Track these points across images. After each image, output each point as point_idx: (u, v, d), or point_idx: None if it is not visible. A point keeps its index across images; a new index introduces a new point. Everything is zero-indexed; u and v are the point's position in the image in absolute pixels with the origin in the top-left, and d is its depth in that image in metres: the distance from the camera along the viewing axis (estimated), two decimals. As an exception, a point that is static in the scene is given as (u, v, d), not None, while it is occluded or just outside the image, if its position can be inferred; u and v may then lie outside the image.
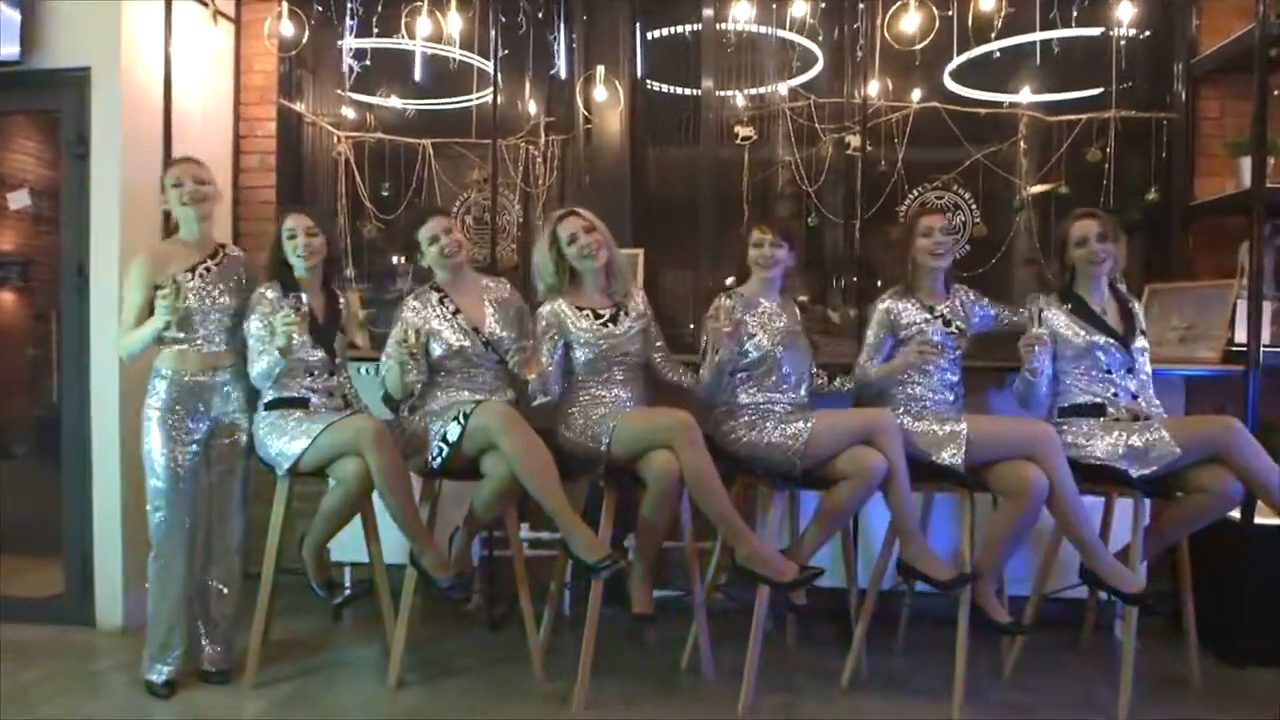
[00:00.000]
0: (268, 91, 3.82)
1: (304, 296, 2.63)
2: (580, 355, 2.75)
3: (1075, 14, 3.36)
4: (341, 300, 2.91)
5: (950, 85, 3.52)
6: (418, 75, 3.63)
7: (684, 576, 2.92)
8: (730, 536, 2.55)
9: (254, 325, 2.70)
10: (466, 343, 2.77)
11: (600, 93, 3.63)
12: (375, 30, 3.65)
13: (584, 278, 2.83)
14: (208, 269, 2.74)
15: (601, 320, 2.79)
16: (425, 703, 2.66)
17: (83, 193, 3.14)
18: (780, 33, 3.57)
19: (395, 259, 3.87)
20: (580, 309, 2.80)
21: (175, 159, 2.92)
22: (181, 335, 2.67)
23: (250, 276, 2.85)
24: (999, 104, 3.55)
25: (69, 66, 3.14)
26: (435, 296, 2.84)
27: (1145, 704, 2.64)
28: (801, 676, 2.86)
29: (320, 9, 3.72)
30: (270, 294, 2.74)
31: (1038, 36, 3.41)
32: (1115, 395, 2.72)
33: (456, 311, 2.81)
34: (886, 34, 3.40)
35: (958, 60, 3.46)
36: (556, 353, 2.76)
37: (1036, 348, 2.64)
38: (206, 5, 3.57)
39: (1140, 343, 2.77)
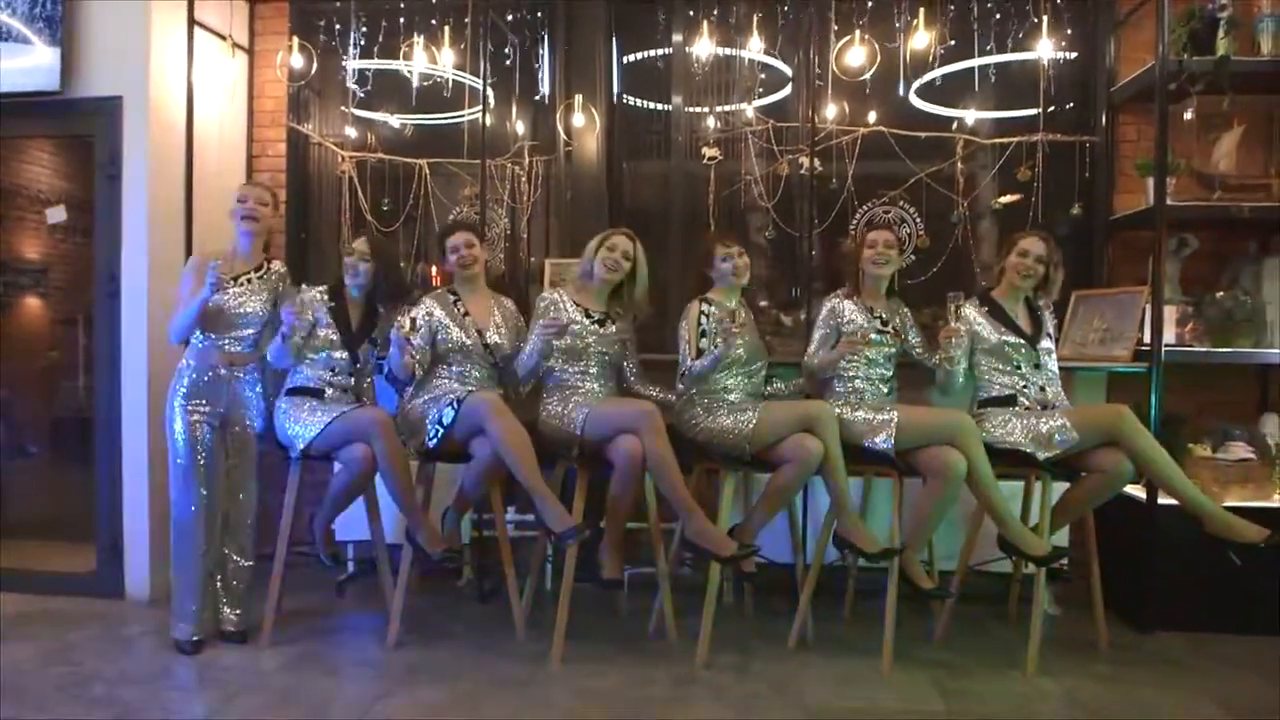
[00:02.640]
0: (278, 115, 4.19)
1: (322, 297, 3.09)
2: (564, 341, 3.08)
3: (1010, 44, 3.75)
4: (379, 319, 3.24)
5: (915, 100, 3.89)
6: (414, 100, 4.00)
7: (651, 552, 3.28)
8: (682, 513, 2.90)
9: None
10: (469, 340, 3.15)
11: (579, 119, 4.01)
12: (376, 56, 4.02)
13: (596, 283, 3.20)
14: (249, 280, 3.11)
15: (592, 320, 3.16)
16: (420, 658, 3.01)
17: (114, 209, 3.50)
18: (744, 54, 3.94)
19: (403, 264, 4.23)
20: (578, 305, 3.17)
21: (247, 183, 3.36)
22: (217, 330, 3.04)
23: (288, 290, 3.21)
24: (942, 126, 3.91)
25: (103, 95, 3.51)
26: (450, 298, 3.23)
27: (1057, 662, 2.99)
28: (754, 639, 3.22)
29: (326, 39, 4.10)
30: (309, 292, 3.14)
31: (976, 62, 3.79)
32: (1025, 388, 3.09)
33: (466, 314, 3.20)
34: (835, 67, 3.78)
35: (913, 87, 3.84)
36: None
37: (954, 339, 3.01)
38: (224, 38, 3.94)
39: (1046, 344, 3.14)
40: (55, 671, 2.86)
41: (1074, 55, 3.87)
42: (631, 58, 4.16)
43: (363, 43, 4.03)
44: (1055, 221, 3.83)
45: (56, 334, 5.31)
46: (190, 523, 3.03)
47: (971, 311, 3.15)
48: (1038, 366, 3.10)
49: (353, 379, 3.17)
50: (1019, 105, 3.90)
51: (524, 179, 4.09)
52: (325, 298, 3.15)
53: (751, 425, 2.92)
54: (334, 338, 3.11)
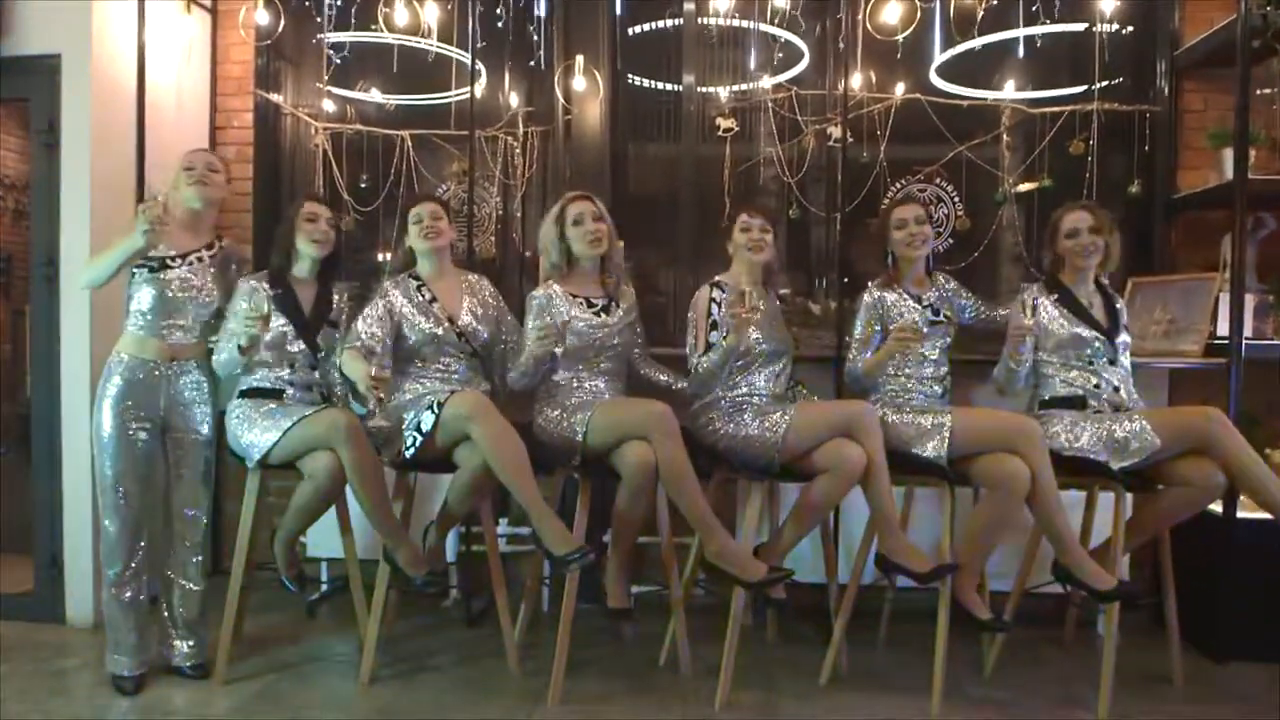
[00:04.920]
0: (245, 82, 3.78)
1: (268, 294, 2.63)
2: (569, 341, 2.66)
3: (1058, 8, 3.35)
4: (336, 297, 2.86)
5: (936, 81, 3.49)
6: (396, 68, 3.59)
7: (662, 572, 2.89)
8: (701, 531, 2.52)
9: (230, 315, 2.67)
10: (440, 330, 2.75)
11: (579, 83, 3.60)
12: (354, 21, 3.60)
13: (582, 264, 2.80)
14: (200, 258, 2.69)
15: (594, 309, 2.75)
16: (398, 699, 2.61)
17: (53, 182, 3.08)
18: (762, 26, 3.54)
19: (381, 256, 3.82)
20: (574, 296, 2.76)
21: (193, 150, 2.85)
22: (156, 317, 2.62)
23: (244, 273, 2.82)
24: (982, 97, 3.52)
25: (39, 53, 3.08)
26: (414, 284, 2.82)
27: (1127, 700, 2.62)
28: (781, 672, 2.83)
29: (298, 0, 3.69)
30: (256, 285, 2.68)
31: (1021, 32, 3.39)
32: (1097, 387, 2.70)
33: (433, 300, 2.78)
34: (869, 25, 3.38)
35: (942, 57, 3.43)
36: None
37: (1026, 337, 2.63)
38: (180, -7, 3.53)
39: (1123, 337, 2.76)
40: (-30, 715, 2.47)
41: (1128, 22, 3.47)
42: (637, 29, 3.75)
43: (339, 2, 3.62)
44: (1111, 201, 3.44)
45: (19, 326, 4.93)
46: (119, 542, 2.62)
47: (1043, 300, 2.76)
48: (1113, 363, 2.71)
49: (316, 372, 2.76)
50: (1064, 81, 3.49)
51: (518, 151, 3.68)
52: (267, 286, 2.71)
53: (782, 431, 2.52)
54: (287, 329, 2.69)
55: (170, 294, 2.63)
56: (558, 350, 2.58)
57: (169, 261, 2.63)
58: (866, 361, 2.78)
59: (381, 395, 2.45)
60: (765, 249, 2.78)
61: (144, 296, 2.62)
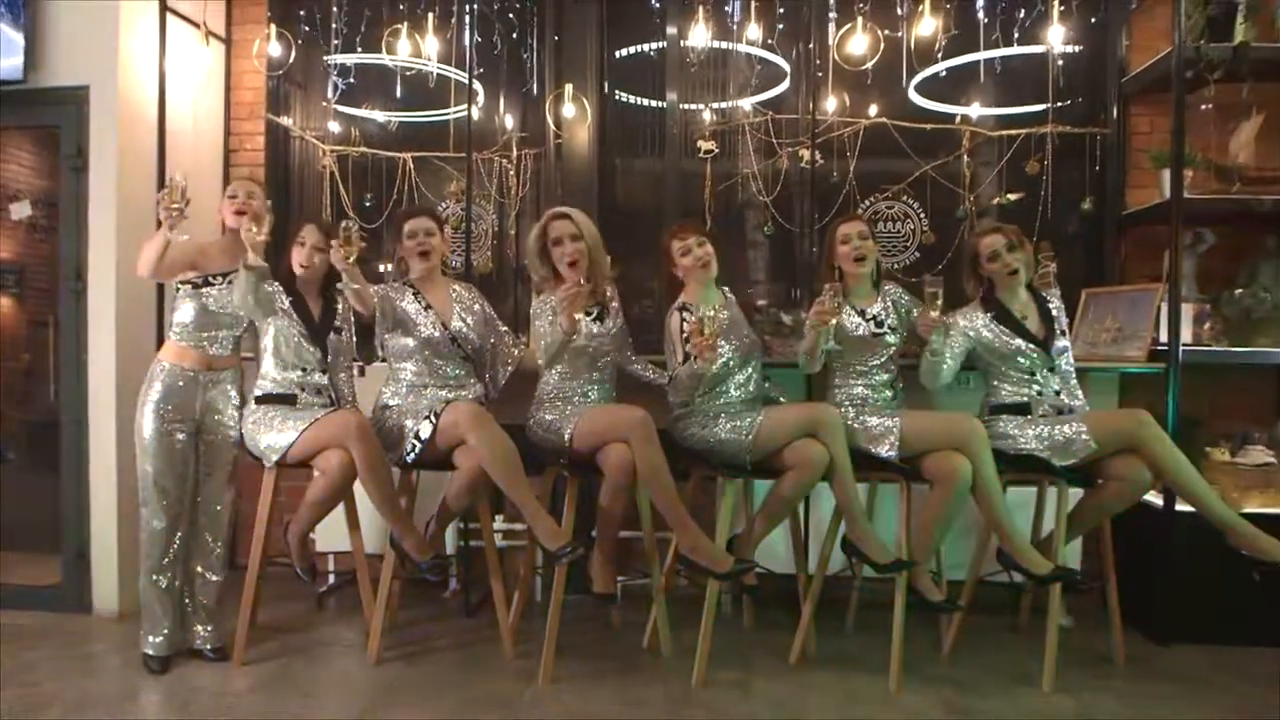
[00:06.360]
0: (257, 107, 4.03)
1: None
2: (582, 331, 2.82)
3: (1017, 35, 3.61)
4: (340, 305, 3.07)
5: (914, 98, 3.74)
6: (399, 92, 3.84)
7: (645, 563, 3.13)
8: (675, 528, 2.73)
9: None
10: (436, 334, 2.97)
11: (569, 109, 3.85)
12: (359, 49, 3.87)
13: (569, 277, 2.97)
14: (235, 279, 2.92)
15: (591, 316, 2.96)
16: (402, 677, 2.85)
17: (81, 203, 3.34)
18: (741, 47, 3.79)
19: (381, 268, 4.07)
20: None
21: (239, 178, 3.27)
22: (195, 330, 2.88)
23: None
24: (946, 119, 3.77)
25: (69, 85, 3.34)
26: (410, 291, 3.04)
27: (1072, 677, 2.85)
28: (755, 654, 3.06)
29: (307, 29, 3.94)
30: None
31: (982, 55, 3.64)
32: (1040, 394, 2.93)
33: (429, 306, 3.02)
34: (836, 55, 3.63)
35: (911, 83, 3.68)
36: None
37: (934, 330, 2.80)
38: (199, 26, 3.77)
39: (1061, 343, 2.96)
40: (9, 694, 2.69)
41: (1082, 46, 3.73)
42: (624, 52, 4.00)
43: (345, 32, 3.87)
44: (1064, 217, 3.70)
45: (34, 337, 5.14)
46: (159, 534, 2.87)
47: (977, 320, 2.98)
48: (1052, 370, 2.94)
49: (325, 376, 3.00)
50: (1025, 100, 3.75)
51: (512, 172, 3.93)
52: (281, 291, 2.94)
53: (752, 434, 2.75)
54: (303, 332, 2.94)
55: (208, 309, 2.89)
56: (583, 318, 2.67)
57: (209, 280, 2.90)
58: (801, 348, 2.94)
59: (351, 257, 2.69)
60: (713, 261, 2.96)
61: (185, 310, 2.89)
